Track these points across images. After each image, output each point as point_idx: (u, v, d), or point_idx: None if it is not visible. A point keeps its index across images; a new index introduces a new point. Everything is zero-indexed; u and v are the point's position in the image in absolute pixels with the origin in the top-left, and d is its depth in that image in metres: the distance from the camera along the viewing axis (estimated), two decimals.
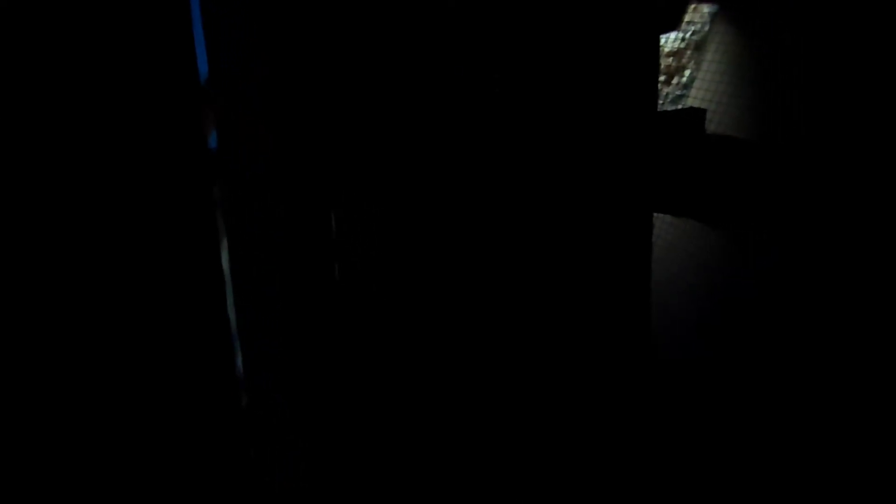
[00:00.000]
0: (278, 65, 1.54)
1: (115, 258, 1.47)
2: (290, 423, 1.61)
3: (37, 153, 1.34)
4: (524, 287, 1.85)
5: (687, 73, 3.55)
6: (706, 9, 3.44)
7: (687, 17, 3.57)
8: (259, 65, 1.53)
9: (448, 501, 1.76)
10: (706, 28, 3.44)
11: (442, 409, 1.75)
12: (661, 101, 3.57)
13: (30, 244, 1.34)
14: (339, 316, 1.66)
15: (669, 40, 3.54)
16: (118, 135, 1.45)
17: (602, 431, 1.99)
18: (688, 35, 3.54)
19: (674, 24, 3.60)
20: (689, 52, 3.53)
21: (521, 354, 1.87)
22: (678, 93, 3.59)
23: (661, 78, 3.58)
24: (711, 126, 3.36)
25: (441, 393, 1.75)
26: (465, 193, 1.74)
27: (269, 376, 1.61)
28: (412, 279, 1.71)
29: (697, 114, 3.07)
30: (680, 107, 3.55)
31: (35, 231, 1.35)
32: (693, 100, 3.46)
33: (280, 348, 1.62)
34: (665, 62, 3.54)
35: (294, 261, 1.64)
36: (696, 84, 3.44)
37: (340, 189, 1.66)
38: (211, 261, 1.58)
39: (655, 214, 3.86)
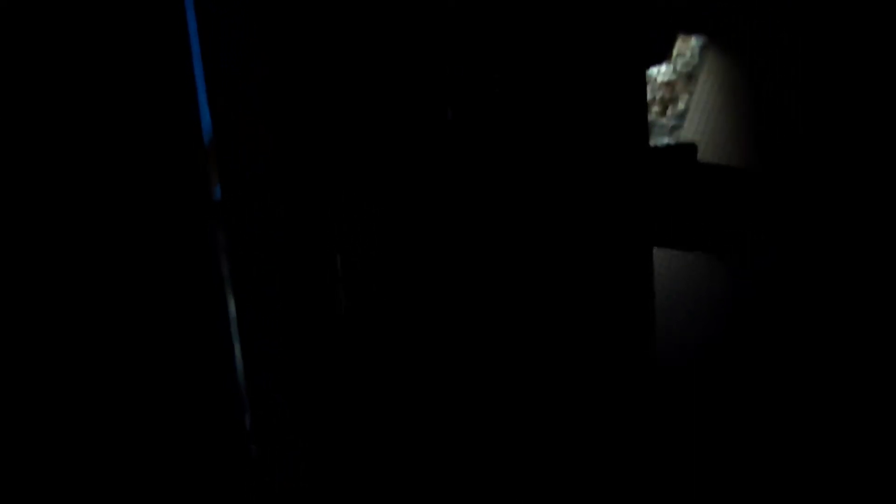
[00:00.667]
0: (278, 65, 1.58)
1: (119, 313, 1.47)
2: (290, 423, 1.58)
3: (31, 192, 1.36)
4: (525, 294, 1.84)
5: (681, 103, 3.61)
6: (694, 41, 3.53)
7: (676, 50, 3.65)
8: (259, 65, 1.56)
9: (448, 502, 1.71)
10: (695, 59, 3.52)
11: (442, 410, 1.72)
12: (657, 130, 3.62)
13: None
14: (339, 316, 1.65)
15: (661, 72, 3.61)
16: (126, 187, 1.47)
17: (603, 446, 1.95)
18: (678, 66, 3.62)
19: (663, 57, 3.68)
20: (680, 82, 3.59)
21: (520, 360, 1.84)
22: (673, 123, 3.64)
23: (656, 108, 3.64)
24: (707, 155, 3.40)
25: (441, 394, 1.72)
26: (465, 194, 1.74)
27: (269, 376, 1.58)
28: (412, 280, 1.71)
29: (689, 149, 3.13)
30: (676, 136, 3.60)
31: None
32: (688, 129, 3.51)
33: (280, 348, 1.60)
34: (659, 93, 3.61)
35: (294, 261, 1.64)
36: (690, 114, 3.50)
37: (340, 189, 1.67)
38: (219, 312, 1.58)
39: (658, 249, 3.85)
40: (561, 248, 1.86)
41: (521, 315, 1.83)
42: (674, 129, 3.64)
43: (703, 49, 3.51)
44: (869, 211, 2.07)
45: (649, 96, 3.71)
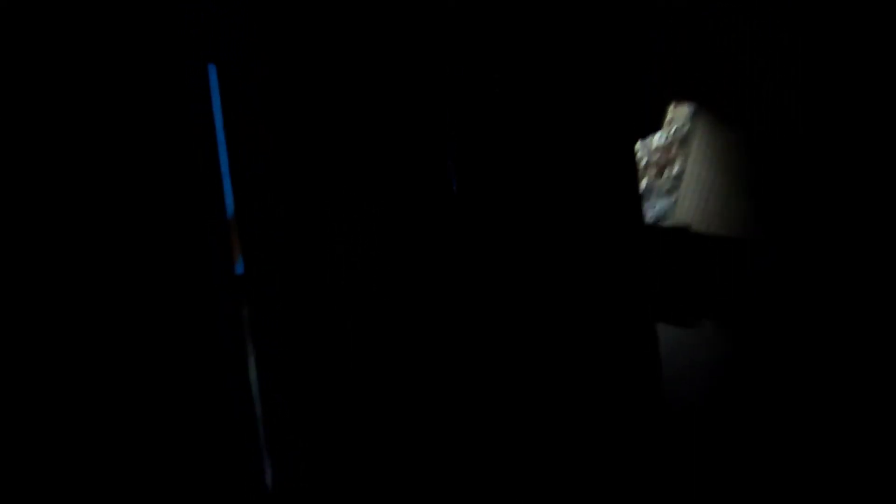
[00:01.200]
0: (278, 65, 1.60)
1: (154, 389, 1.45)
2: (290, 423, 1.47)
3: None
4: (529, 308, 1.78)
5: (676, 165, 3.66)
6: (685, 108, 3.64)
7: (669, 115, 3.75)
8: (259, 65, 1.59)
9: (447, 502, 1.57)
10: (687, 124, 3.62)
11: (442, 411, 1.61)
12: (654, 192, 3.65)
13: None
14: (339, 316, 1.58)
15: (655, 137, 3.70)
16: (149, 264, 1.48)
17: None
18: (671, 131, 3.71)
19: (656, 127, 3.78)
20: (675, 146, 3.67)
21: (523, 381, 1.75)
22: (669, 185, 3.69)
23: (653, 171, 3.70)
24: (705, 217, 3.42)
25: (441, 395, 1.62)
26: (466, 194, 1.72)
27: (269, 376, 1.49)
28: (412, 280, 1.65)
29: (682, 230, 3.19)
30: (673, 197, 3.64)
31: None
32: (685, 191, 3.54)
33: (280, 348, 1.52)
34: (654, 157, 3.68)
35: (294, 261, 1.59)
36: (686, 178, 3.55)
37: (340, 189, 1.65)
38: (243, 389, 1.53)
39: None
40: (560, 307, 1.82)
41: (518, 337, 1.76)
42: (670, 190, 3.67)
43: (694, 115, 3.62)
44: (870, 211, 2.04)
45: (645, 161, 3.78)
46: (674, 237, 3.20)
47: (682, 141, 3.67)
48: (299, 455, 1.44)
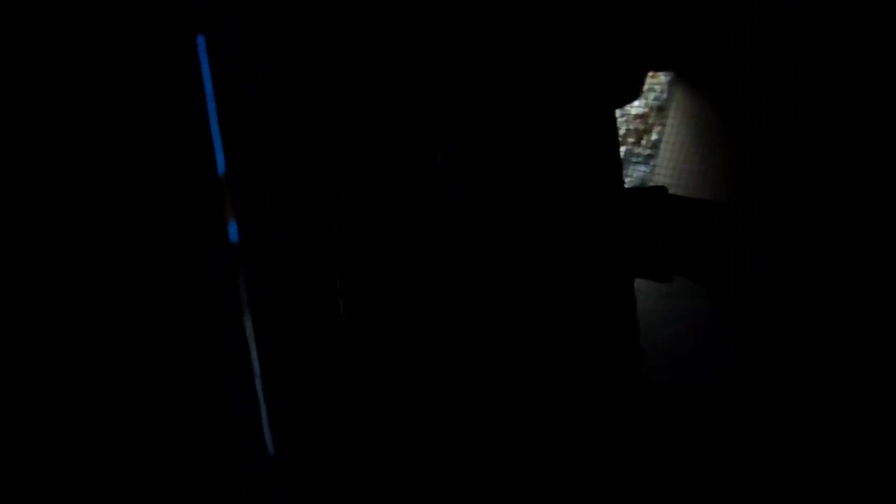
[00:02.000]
0: (278, 65, 1.59)
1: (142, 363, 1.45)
2: (288, 423, 1.52)
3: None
4: (519, 311, 1.84)
5: (654, 133, 3.71)
6: (663, 77, 3.66)
7: (647, 85, 3.78)
8: (259, 65, 1.58)
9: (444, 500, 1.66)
10: (665, 94, 3.66)
11: (439, 410, 1.68)
12: (633, 160, 3.71)
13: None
14: (338, 316, 1.62)
15: (634, 105, 3.73)
16: (137, 227, 1.46)
17: (592, 457, 1.92)
18: (650, 100, 3.74)
19: (635, 95, 3.80)
20: (652, 114, 3.71)
21: (515, 369, 1.82)
22: (648, 152, 3.74)
23: (632, 139, 3.74)
24: (682, 180, 3.49)
25: (439, 394, 1.69)
26: (464, 194, 1.76)
27: (269, 377, 1.54)
28: (411, 280, 1.69)
29: (660, 191, 3.26)
30: (652, 164, 3.70)
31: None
32: (662, 157, 3.60)
33: (280, 348, 1.56)
34: (633, 125, 3.72)
35: (294, 261, 1.62)
36: (664, 144, 3.61)
37: (340, 189, 1.67)
38: (245, 388, 1.55)
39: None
40: (547, 264, 1.88)
41: (515, 328, 1.82)
42: (648, 157, 3.73)
43: (671, 84, 3.65)
44: (869, 211, 2.11)
45: (624, 128, 3.82)
46: (653, 199, 3.27)
47: (660, 109, 3.71)
48: (297, 455, 1.50)
